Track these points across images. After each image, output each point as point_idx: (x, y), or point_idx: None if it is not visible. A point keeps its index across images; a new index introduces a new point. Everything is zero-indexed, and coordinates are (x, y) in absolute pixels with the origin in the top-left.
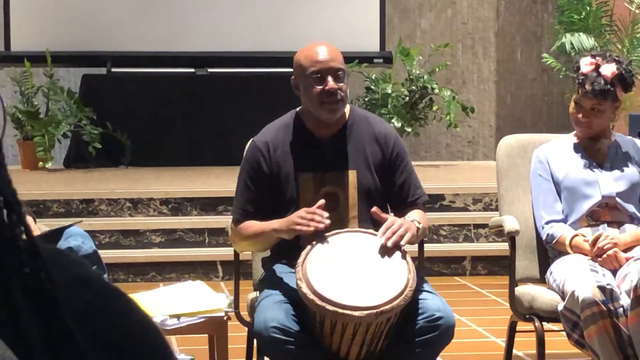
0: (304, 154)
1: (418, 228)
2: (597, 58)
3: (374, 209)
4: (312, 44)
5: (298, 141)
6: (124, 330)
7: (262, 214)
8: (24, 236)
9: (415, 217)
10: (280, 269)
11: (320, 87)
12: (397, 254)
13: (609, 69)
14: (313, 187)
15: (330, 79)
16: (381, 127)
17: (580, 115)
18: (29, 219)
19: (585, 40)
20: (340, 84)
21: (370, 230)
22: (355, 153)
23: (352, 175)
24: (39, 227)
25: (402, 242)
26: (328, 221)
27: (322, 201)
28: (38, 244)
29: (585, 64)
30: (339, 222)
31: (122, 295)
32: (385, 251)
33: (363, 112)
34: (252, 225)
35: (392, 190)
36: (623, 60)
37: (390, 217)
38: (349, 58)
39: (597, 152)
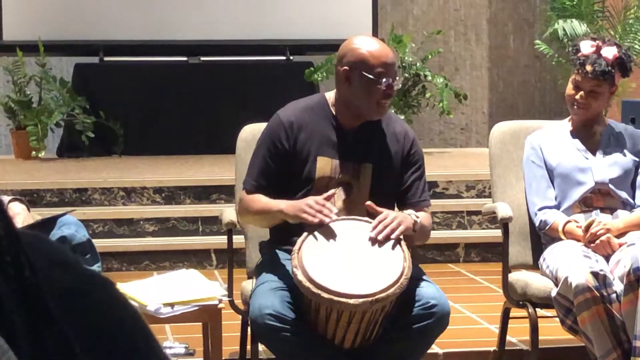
0: (326, 139)
1: (415, 221)
2: (598, 41)
3: (368, 203)
4: (367, 38)
5: (322, 126)
6: (106, 314)
7: (275, 189)
8: (1, 223)
9: (418, 215)
10: (277, 256)
11: (384, 87)
12: (393, 242)
13: (610, 52)
14: (330, 173)
15: (393, 81)
16: (402, 127)
17: (578, 97)
18: (23, 207)
19: (577, 26)
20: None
21: (367, 218)
22: (375, 148)
23: (368, 168)
24: (32, 216)
25: (393, 236)
26: (335, 216)
27: (332, 191)
28: (17, 230)
29: (586, 46)
30: (349, 211)
31: (102, 280)
32: (381, 239)
33: None
34: (260, 200)
35: (400, 187)
36: (622, 46)
37: (385, 211)
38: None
39: (590, 138)
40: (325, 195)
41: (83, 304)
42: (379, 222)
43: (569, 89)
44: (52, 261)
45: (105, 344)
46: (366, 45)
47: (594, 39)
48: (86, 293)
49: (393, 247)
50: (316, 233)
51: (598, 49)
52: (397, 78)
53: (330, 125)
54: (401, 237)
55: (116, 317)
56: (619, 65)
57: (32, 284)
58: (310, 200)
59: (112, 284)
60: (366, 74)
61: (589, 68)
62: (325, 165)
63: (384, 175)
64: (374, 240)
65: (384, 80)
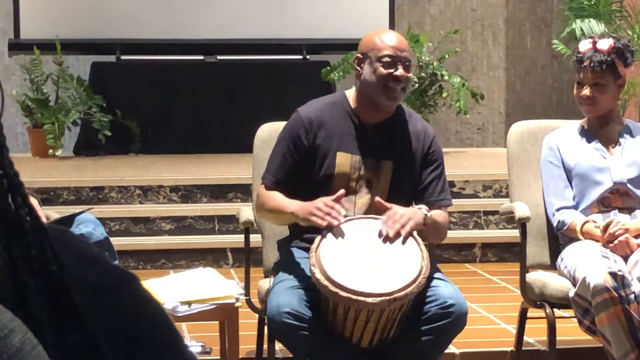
0: (346, 135)
1: (425, 215)
2: (594, 38)
3: (377, 199)
4: (383, 29)
5: (342, 122)
6: (130, 310)
7: (293, 185)
8: (28, 218)
9: (429, 210)
10: (295, 254)
11: (389, 71)
12: (411, 241)
13: (605, 43)
14: (349, 169)
15: (400, 66)
16: (422, 125)
17: (582, 92)
18: (34, 202)
19: (595, 26)
20: (407, 73)
21: (384, 217)
22: (396, 145)
23: (388, 165)
24: (47, 214)
25: (402, 232)
26: (343, 219)
27: (342, 191)
28: (44, 225)
29: (584, 45)
30: (369, 208)
31: (127, 276)
32: (398, 238)
33: (406, 108)
34: (275, 199)
35: (418, 186)
36: (620, 38)
37: (394, 207)
38: (358, 45)
39: (607, 138)
40: (334, 196)
41: (108, 300)
42: (388, 219)
43: (575, 88)
44: (78, 256)
45: (130, 339)
46: (379, 33)
47: (591, 37)
48: (111, 289)
49: (411, 245)
50: (334, 231)
51: (594, 44)
52: (408, 65)
53: (350, 122)
54: (417, 235)
55: (141, 312)
56: (616, 54)
57: (58, 279)
58: (319, 202)
59: (136, 279)
60: (372, 57)
61: (586, 63)
62: (344, 161)
63: (403, 172)
64: (385, 238)
65: (387, 60)
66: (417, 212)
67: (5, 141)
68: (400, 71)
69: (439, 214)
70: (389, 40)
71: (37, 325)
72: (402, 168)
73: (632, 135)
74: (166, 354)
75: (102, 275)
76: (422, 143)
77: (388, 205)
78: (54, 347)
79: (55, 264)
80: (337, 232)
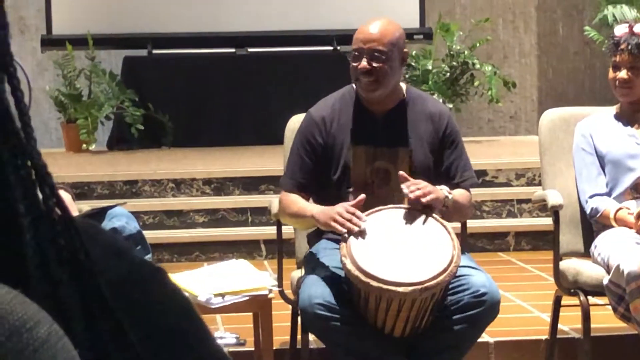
0: (358, 127)
1: (446, 197)
2: (630, 22)
3: (401, 172)
4: (370, 20)
5: (353, 114)
6: (156, 305)
7: (313, 186)
8: (57, 208)
9: (451, 191)
10: (325, 245)
11: (354, 64)
12: (442, 229)
13: None
14: (365, 161)
15: (364, 58)
16: (435, 107)
17: (618, 75)
18: (68, 196)
19: (627, 12)
20: (376, 65)
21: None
22: (409, 131)
23: (404, 152)
24: (81, 207)
25: (423, 199)
26: (364, 225)
27: (362, 196)
28: (72, 216)
29: (620, 29)
30: (389, 198)
31: (154, 269)
32: (430, 227)
33: (418, 92)
34: (296, 203)
35: (440, 169)
36: None
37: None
38: None
39: None
40: (355, 201)
41: (135, 294)
42: (412, 183)
43: (610, 72)
44: (106, 250)
45: (155, 335)
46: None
47: (627, 22)
48: (138, 283)
49: (442, 234)
50: (365, 222)
51: (630, 28)
52: (378, 55)
53: (360, 113)
54: (447, 224)
55: (167, 305)
56: None
57: (86, 268)
58: (341, 208)
59: (163, 272)
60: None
61: (623, 46)
62: (359, 153)
63: (421, 157)
64: (412, 221)
65: (355, 54)
66: (439, 191)
67: (34, 133)
68: (363, 64)
69: (460, 194)
70: (358, 33)
71: (66, 313)
72: (419, 153)
73: None
74: (192, 346)
75: (130, 269)
76: (438, 125)
77: (412, 180)
78: (82, 335)
79: (84, 253)
80: (368, 222)
